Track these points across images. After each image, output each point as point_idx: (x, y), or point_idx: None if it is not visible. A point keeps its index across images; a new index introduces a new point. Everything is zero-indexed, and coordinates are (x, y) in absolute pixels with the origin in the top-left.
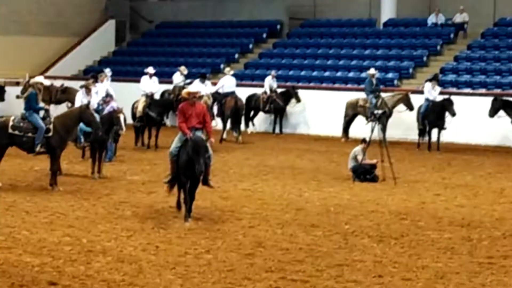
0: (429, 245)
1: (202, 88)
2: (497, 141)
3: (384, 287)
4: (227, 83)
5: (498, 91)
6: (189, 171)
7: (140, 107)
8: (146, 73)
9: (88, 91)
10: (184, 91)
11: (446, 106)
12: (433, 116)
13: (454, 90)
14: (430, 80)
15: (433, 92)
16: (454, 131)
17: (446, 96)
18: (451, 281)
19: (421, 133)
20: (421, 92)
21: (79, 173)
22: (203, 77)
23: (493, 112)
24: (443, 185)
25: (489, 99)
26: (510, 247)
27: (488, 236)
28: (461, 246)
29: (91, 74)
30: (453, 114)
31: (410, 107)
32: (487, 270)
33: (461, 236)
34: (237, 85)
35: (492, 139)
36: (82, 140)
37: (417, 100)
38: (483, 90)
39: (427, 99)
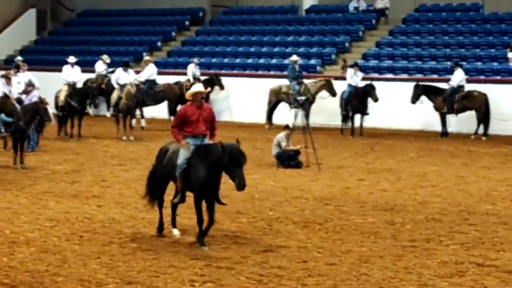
0: (353, 230)
1: (126, 77)
2: (420, 126)
3: (309, 272)
4: (152, 71)
5: (420, 76)
6: (208, 188)
7: (62, 97)
8: (67, 62)
9: (8, 80)
10: (189, 92)
11: (368, 92)
12: (356, 101)
13: (376, 75)
14: (351, 66)
15: (355, 78)
16: (376, 116)
17: (368, 82)
18: (375, 265)
19: (344, 119)
20: (344, 78)
21: (1, 163)
22: (126, 66)
23: (415, 99)
24: (366, 170)
25: (411, 84)
26: (432, 230)
27: (411, 219)
28: (384, 230)
29: (14, 63)
30: (375, 99)
31: (332, 93)
32: (411, 254)
33: (384, 220)
34: (160, 73)
35: (414, 124)
36: (3, 130)
37: (340, 86)
38: (405, 76)
39: (349, 85)
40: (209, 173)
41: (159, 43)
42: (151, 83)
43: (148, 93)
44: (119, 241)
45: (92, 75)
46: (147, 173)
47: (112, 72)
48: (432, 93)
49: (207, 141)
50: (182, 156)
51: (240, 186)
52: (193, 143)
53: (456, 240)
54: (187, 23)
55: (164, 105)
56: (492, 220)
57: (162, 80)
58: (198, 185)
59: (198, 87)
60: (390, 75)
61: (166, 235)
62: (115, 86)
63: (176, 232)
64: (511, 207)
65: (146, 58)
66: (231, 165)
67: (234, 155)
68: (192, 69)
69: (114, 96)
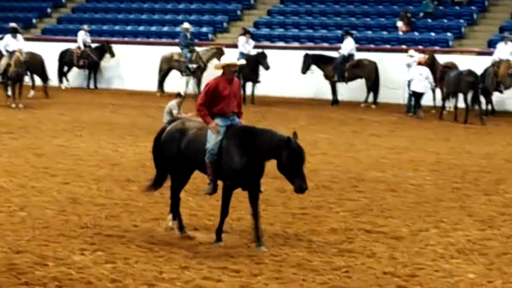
0: (244, 198)
1: (14, 43)
2: (311, 94)
3: (198, 240)
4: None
5: (311, 44)
6: (247, 178)
7: None
8: None
9: None
10: (220, 64)
11: (260, 60)
12: (248, 70)
13: (267, 43)
14: (243, 34)
15: (247, 46)
16: (268, 84)
17: (260, 50)
18: (266, 232)
19: None
20: (236, 46)
21: None
22: (14, 32)
23: (305, 69)
24: None
25: (302, 53)
26: (323, 198)
27: None
28: (275, 197)
29: None
30: (266, 67)
31: None
32: (301, 221)
33: (275, 187)
34: (50, 40)
35: (305, 92)
36: None
37: (232, 54)
38: (296, 44)
39: (241, 53)
40: (251, 161)
41: (49, 10)
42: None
43: None
44: (8, 210)
45: None
46: (40, 141)
47: (1, 38)
48: (322, 62)
49: (238, 120)
50: (213, 139)
51: (302, 189)
52: (223, 124)
53: (346, 207)
54: None
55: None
56: (381, 187)
57: (53, 47)
58: (232, 173)
59: (230, 58)
60: (281, 43)
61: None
62: (4, 53)
63: (171, 223)
64: (400, 174)
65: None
66: (291, 163)
67: (298, 153)
68: (83, 36)
69: (3, 63)
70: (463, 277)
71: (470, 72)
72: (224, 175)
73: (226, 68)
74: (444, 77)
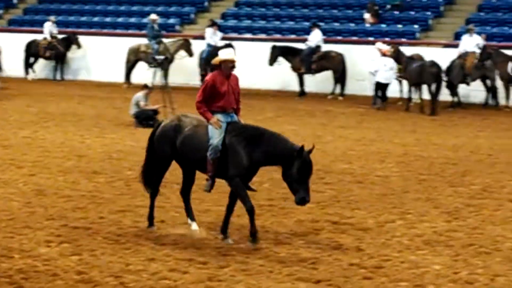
0: (213, 190)
1: None
2: (278, 86)
3: (166, 232)
4: None
5: (278, 36)
6: (248, 176)
7: None
8: None
9: None
10: (217, 59)
11: None
12: None
13: (235, 35)
14: (211, 25)
15: (214, 37)
16: None
17: (227, 42)
18: (232, 224)
19: (203, 78)
20: (203, 38)
21: None
22: None
23: (272, 61)
24: None
25: (270, 44)
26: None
27: (269, 178)
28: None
29: None
30: None
31: (190, 53)
32: (268, 212)
33: None
34: (16, 31)
35: (273, 84)
36: None
37: (199, 46)
38: (263, 35)
39: (209, 44)
40: (255, 162)
41: (15, 0)
42: None
43: None
44: None
45: None
46: (6, 133)
47: None
48: (289, 53)
49: (236, 118)
50: (217, 135)
51: (305, 202)
52: (224, 120)
53: (312, 199)
54: None
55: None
56: (348, 179)
57: (19, 38)
58: (240, 170)
59: (228, 53)
60: (249, 35)
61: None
62: None
63: (195, 226)
64: (366, 166)
65: None
66: (300, 174)
67: (309, 165)
68: (49, 27)
69: None
70: (429, 269)
71: (433, 63)
72: (229, 172)
73: (223, 63)
74: (406, 68)
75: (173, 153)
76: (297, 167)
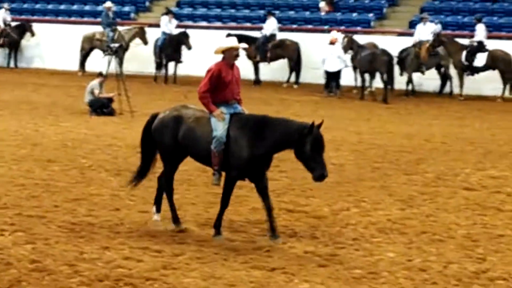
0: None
1: None
2: None
3: (120, 221)
4: None
5: (233, 24)
6: (256, 170)
7: None
8: None
9: None
10: (221, 47)
11: (182, 40)
12: (170, 49)
13: (190, 23)
14: (166, 13)
15: (169, 25)
16: (190, 64)
17: (183, 30)
18: (187, 212)
19: (158, 66)
20: (158, 26)
21: None
22: None
23: None
24: None
25: (225, 32)
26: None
27: None
28: (197, 177)
29: None
30: (189, 47)
31: (144, 41)
32: None
33: (197, 167)
34: None
35: None
36: None
37: (154, 34)
38: (219, 24)
39: (164, 33)
40: (264, 151)
41: None
42: None
43: None
44: None
45: None
46: None
47: None
48: (244, 42)
49: (240, 108)
50: (221, 127)
51: (323, 177)
52: (227, 111)
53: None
54: None
55: None
56: (302, 167)
57: None
58: (240, 164)
59: (232, 41)
60: (204, 23)
61: None
62: None
63: (157, 217)
64: None
65: None
66: (314, 150)
67: (320, 140)
68: (3, 14)
69: None
70: (383, 256)
71: (384, 52)
72: (229, 165)
73: (228, 52)
74: (357, 56)
75: (174, 144)
76: (310, 144)
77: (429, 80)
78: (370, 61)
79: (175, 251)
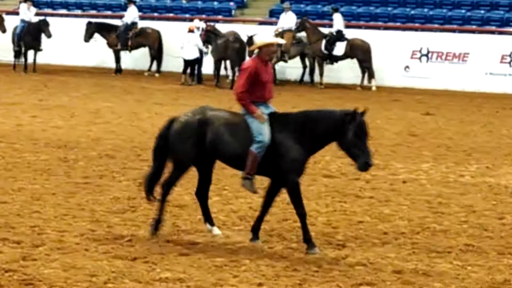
0: (26, 167)
1: None
2: (94, 63)
3: None
4: None
5: (94, 12)
6: (304, 166)
7: None
8: None
9: None
10: (256, 43)
11: (42, 28)
12: (29, 37)
13: (50, 11)
14: (24, 1)
15: (28, 13)
16: (50, 52)
17: (42, 17)
18: (47, 202)
19: (17, 54)
20: (17, 13)
21: None
22: None
23: (88, 37)
24: (39, 106)
25: (85, 20)
26: (105, 167)
27: (84, 156)
28: (57, 167)
29: None
30: (49, 35)
31: (3, 29)
32: (84, 190)
33: (57, 157)
34: None
35: (88, 61)
36: None
37: (13, 21)
38: (79, 12)
39: (22, 20)
40: (311, 149)
41: None
42: None
43: None
44: None
45: None
46: None
47: None
48: (105, 30)
49: (273, 108)
50: (265, 130)
51: (368, 166)
52: (266, 111)
53: (129, 176)
54: None
55: None
56: None
57: None
58: (296, 166)
59: (270, 37)
60: (64, 11)
61: None
62: None
63: (217, 231)
64: None
65: None
66: (358, 137)
67: (363, 127)
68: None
69: None
70: (245, 244)
71: (236, 39)
72: (283, 170)
73: (265, 48)
74: (212, 44)
75: (199, 152)
76: (353, 132)
77: (290, 68)
78: (224, 49)
79: (35, 241)
